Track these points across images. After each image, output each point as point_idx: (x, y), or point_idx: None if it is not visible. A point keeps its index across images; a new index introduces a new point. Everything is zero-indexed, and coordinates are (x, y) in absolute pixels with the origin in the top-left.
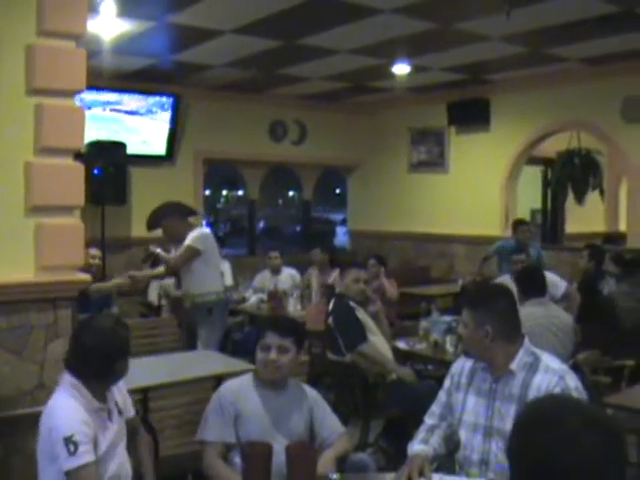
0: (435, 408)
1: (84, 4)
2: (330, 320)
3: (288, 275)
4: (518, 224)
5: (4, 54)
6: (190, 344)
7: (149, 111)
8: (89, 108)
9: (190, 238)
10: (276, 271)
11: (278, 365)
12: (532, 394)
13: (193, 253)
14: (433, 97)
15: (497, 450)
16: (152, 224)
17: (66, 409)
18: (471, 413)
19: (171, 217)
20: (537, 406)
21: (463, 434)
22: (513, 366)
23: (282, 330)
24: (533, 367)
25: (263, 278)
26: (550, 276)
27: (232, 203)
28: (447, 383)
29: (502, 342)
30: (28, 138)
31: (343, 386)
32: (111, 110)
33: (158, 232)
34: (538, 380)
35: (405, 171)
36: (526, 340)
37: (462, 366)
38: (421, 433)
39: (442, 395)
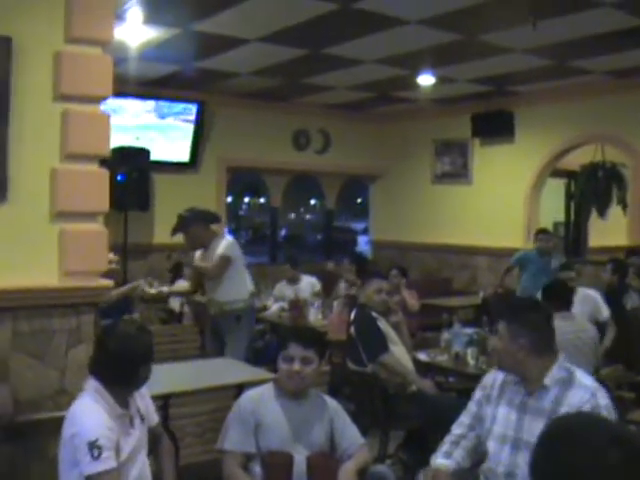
0: (464, 418)
1: (111, 11)
2: (352, 330)
3: (308, 283)
4: (539, 233)
5: (32, 61)
6: (214, 351)
7: (174, 118)
8: (114, 114)
9: (223, 247)
10: (294, 280)
11: (302, 376)
12: (563, 410)
13: (228, 262)
14: (457, 108)
15: (524, 464)
16: (178, 229)
17: (91, 414)
18: (501, 425)
19: (196, 224)
20: (564, 421)
21: (491, 445)
22: (547, 381)
23: (305, 341)
24: (566, 383)
25: (282, 287)
26: (594, 296)
27: (254, 210)
28: (478, 394)
29: (536, 356)
30: (54, 144)
31: (363, 396)
32: (136, 116)
33: (179, 238)
34: (570, 396)
35: (429, 182)
36: (560, 355)
37: (494, 378)
38: (445, 445)
39: (472, 406)
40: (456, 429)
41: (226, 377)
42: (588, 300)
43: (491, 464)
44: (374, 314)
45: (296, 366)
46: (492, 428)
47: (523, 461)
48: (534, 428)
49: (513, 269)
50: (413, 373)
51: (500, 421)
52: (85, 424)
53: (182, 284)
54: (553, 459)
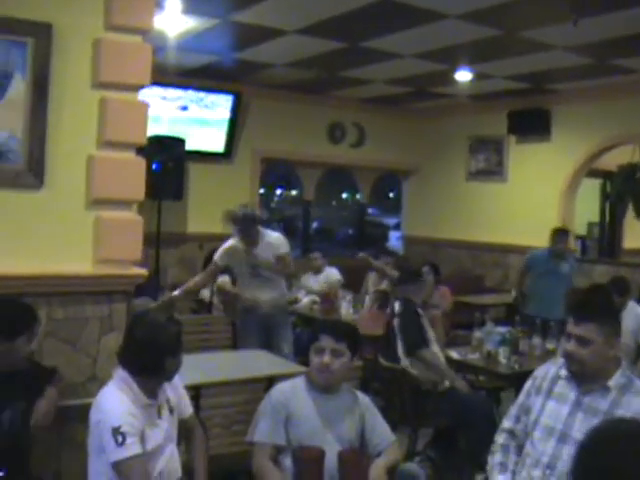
0: (513, 410)
1: (151, 0)
2: (394, 322)
3: (326, 274)
4: (556, 232)
5: (72, 47)
6: (259, 347)
7: (210, 108)
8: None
9: (285, 245)
10: (318, 272)
11: (332, 369)
12: (620, 413)
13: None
14: (494, 105)
15: (567, 457)
16: (248, 229)
17: (113, 401)
18: (549, 417)
19: (257, 224)
20: (614, 424)
21: (537, 435)
22: (610, 383)
23: (337, 334)
24: (625, 388)
25: (306, 279)
26: (636, 309)
27: (286, 203)
28: (528, 384)
29: (615, 357)
30: (92, 131)
31: (393, 392)
32: (173, 106)
33: (211, 227)
34: (628, 401)
35: (463, 179)
36: (623, 360)
37: (546, 370)
38: (497, 454)
39: (521, 397)
40: (506, 422)
41: (257, 369)
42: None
43: (534, 452)
44: (420, 310)
45: (326, 358)
46: (539, 419)
47: (567, 455)
48: (585, 426)
49: (526, 273)
50: (449, 370)
51: (549, 413)
52: (109, 411)
53: (223, 279)
54: (600, 458)
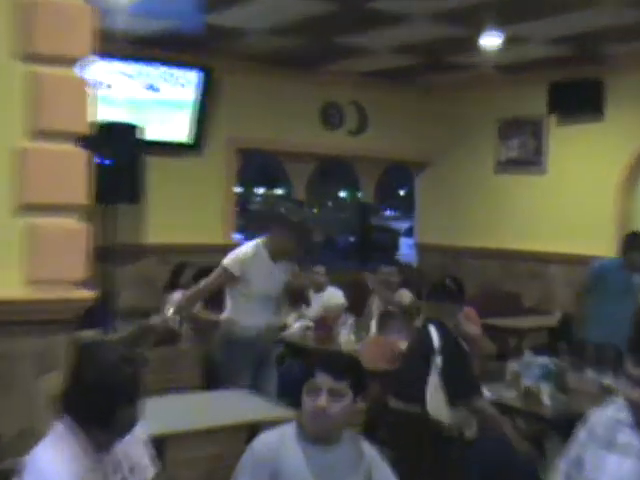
0: (562, 465)
1: None
2: (438, 360)
3: (328, 295)
4: (631, 237)
5: None
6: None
7: (172, 87)
8: (98, 81)
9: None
10: (319, 290)
11: (329, 414)
12: None
13: None
14: (529, 77)
15: None
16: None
17: (52, 461)
18: (612, 475)
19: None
20: None
21: None
22: None
23: (336, 369)
24: None
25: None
26: None
27: (270, 204)
28: (582, 435)
29: None
30: (16, 117)
31: (407, 442)
32: (124, 84)
33: (179, 238)
34: None
35: (490, 171)
36: None
37: (601, 415)
38: None
39: (572, 449)
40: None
41: (237, 414)
42: None
43: None
44: (462, 341)
45: (322, 401)
46: (597, 477)
47: None
48: None
49: (590, 290)
50: (504, 419)
51: (610, 470)
52: (46, 474)
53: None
54: None
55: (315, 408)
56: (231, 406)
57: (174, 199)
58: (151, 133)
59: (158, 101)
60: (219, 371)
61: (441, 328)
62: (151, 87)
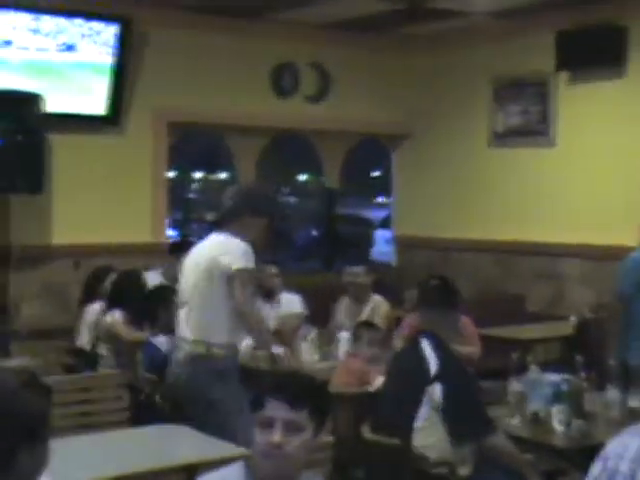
0: None
1: None
2: (436, 389)
3: (284, 304)
4: None
5: None
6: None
7: (82, 45)
8: None
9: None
10: (270, 297)
11: (285, 451)
12: None
13: None
14: (533, 25)
15: None
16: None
17: None
18: None
19: None
20: None
21: None
22: None
23: (293, 396)
24: None
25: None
26: None
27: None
28: (597, 469)
29: None
30: None
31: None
32: (20, 42)
33: (94, 237)
34: None
35: (484, 144)
36: None
37: (625, 445)
38: None
39: None
40: None
41: (170, 455)
42: None
43: None
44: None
45: (276, 435)
46: None
47: None
48: None
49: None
50: (520, 454)
51: None
52: None
53: (112, 316)
54: None
55: (268, 445)
56: (164, 445)
57: (88, 187)
58: (55, 104)
59: (65, 64)
60: (215, 416)
61: (438, 345)
62: (60, 46)
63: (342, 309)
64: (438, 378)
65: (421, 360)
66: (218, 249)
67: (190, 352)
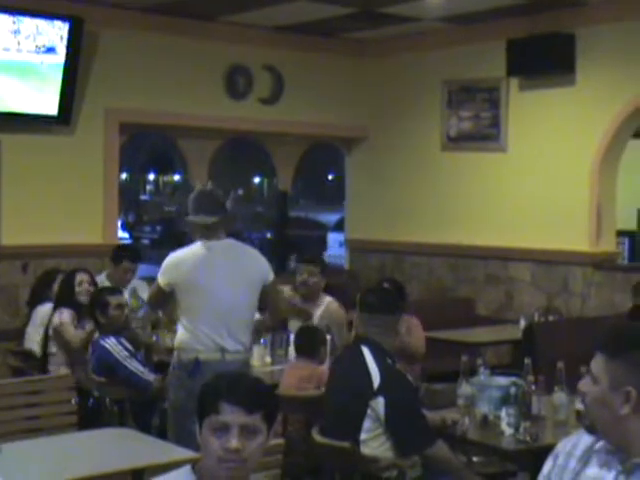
0: None
1: None
2: (379, 402)
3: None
4: None
5: None
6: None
7: (32, 44)
8: None
9: None
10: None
11: (242, 457)
12: None
13: None
14: (485, 31)
15: None
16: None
17: None
18: None
19: None
20: None
21: None
22: None
23: (247, 400)
24: None
25: None
26: None
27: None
28: (547, 466)
29: None
30: None
31: None
32: None
33: (44, 237)
34: None
35: (437, 148)
36: None
37: (575, 443)
38: None
39: None
40: None
41: (117, 459)
42: None
43: None
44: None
45: (234, 441)
46: None
47: None
48: None
49: None
50: (464, 467)
51: None
52: None
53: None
54: None
55: (225, 450)
56: (110, 449)
57: (38, 188)
58: (6, 103)
59: (14, 63)
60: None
61: (379, 354)
62: (10, 44)
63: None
64: (381, 391)
65: (364, 372)
66: (259, 259)
67: (244, 359)
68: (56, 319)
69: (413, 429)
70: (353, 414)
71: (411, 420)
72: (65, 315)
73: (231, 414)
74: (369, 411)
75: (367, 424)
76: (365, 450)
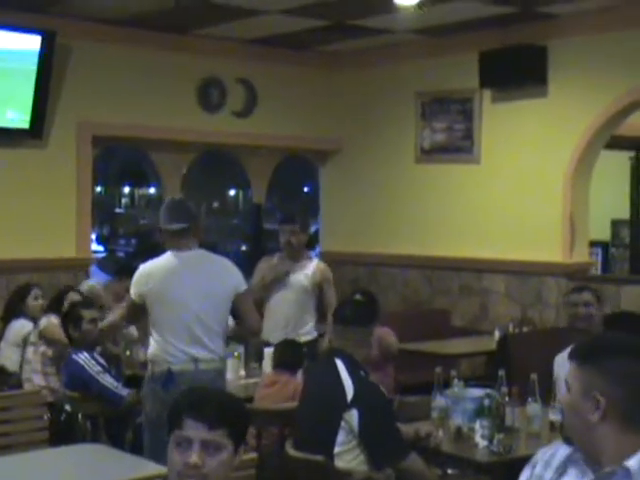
0: None
1: None
2: (353, 415)
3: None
4: None
5: None
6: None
7: (4, 56)
8: None
9: None
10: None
11: (203, 473)
12: None
13: None
14: (458, 43)
15: None
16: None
17: None
18: None
19: None
20: None
21: None
22: (631, 463)
23: (210, 416)
24: None
25: None
26: None
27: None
28: (525, 475)
29: (617, 424)
30: None
31: None
32: None
33: (18, 252)
34: None
35: (411, 160)
36: None
37: (553, 453)
38: None
39: None
40: None
41: (90, 475)
42: None
43: None
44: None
45: (194, 456)
46: None
47: None
48: None
49: None
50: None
51: None
52: None
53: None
54: None
55: (185, 465)
56: (82, 465)
57: (9, 201)
58: None
59: None
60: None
61: (352, 366)
62: None
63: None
64: (354, 403)
65: (337, 384)
66: (230, 269)
67: (218, 368)
68: (43, 322)
69: (387, 441)
70: (327, 427)
71: (385, 432)
72: (53, 319)
73: (193, 429)
74: (343, 423)
75: (341, 437)
76: (339, 463)
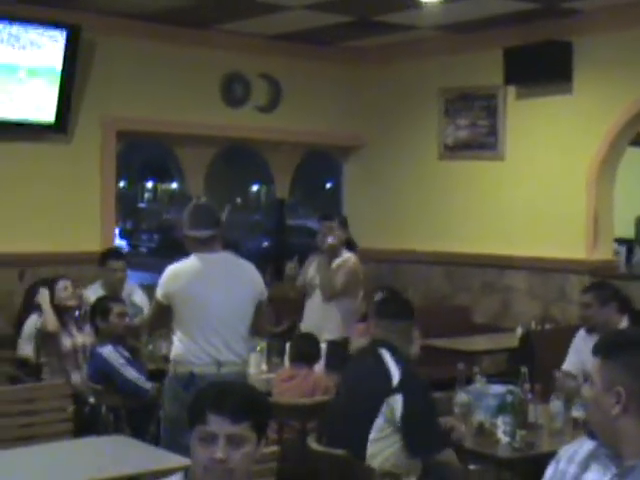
0: None
1: None
2: (397, 400)
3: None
4: None
5: None
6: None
7: (29, 52)
8: None
9: None
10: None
11: (230, 468)
12: None
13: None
14: (482, 40)
15: None
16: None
17: None
18: None
19: None
20: None
21: None
22: None
23: (232, 409)
24: None
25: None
26: None
27: (162, 202)
28: (549, 472)
29: (638, 417)
30: None
31: None
32: None
33: (39, 245)
34: None
35: (434, 157)
36: None
37: (577, 449)
38: None
39: None
40: None
41: (113, 466)
42: None
43: None
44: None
45: (219, 452)
46: None
47: None
48: None
49: None
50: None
51: None
52: None
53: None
54: None
55: (211, 460)
56: (105, 456)
57: (34, 196)
58: (1, 111)
59: (11, 70)
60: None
61: (397, 355)
62: (7, 52)
63: (314, 265)
64: (400, 389)
65: (383, 370)
66: (255, 274)
67: (240, 372)
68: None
69: (427, 431)
70: (366, 411)
71: (426, 422)
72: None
73: (217, 424)
74: (384, 408)
75: (379, 422)
76: (372, 450)
